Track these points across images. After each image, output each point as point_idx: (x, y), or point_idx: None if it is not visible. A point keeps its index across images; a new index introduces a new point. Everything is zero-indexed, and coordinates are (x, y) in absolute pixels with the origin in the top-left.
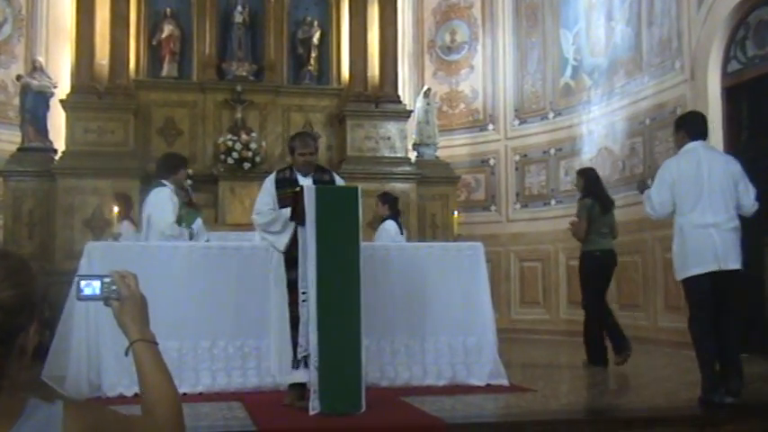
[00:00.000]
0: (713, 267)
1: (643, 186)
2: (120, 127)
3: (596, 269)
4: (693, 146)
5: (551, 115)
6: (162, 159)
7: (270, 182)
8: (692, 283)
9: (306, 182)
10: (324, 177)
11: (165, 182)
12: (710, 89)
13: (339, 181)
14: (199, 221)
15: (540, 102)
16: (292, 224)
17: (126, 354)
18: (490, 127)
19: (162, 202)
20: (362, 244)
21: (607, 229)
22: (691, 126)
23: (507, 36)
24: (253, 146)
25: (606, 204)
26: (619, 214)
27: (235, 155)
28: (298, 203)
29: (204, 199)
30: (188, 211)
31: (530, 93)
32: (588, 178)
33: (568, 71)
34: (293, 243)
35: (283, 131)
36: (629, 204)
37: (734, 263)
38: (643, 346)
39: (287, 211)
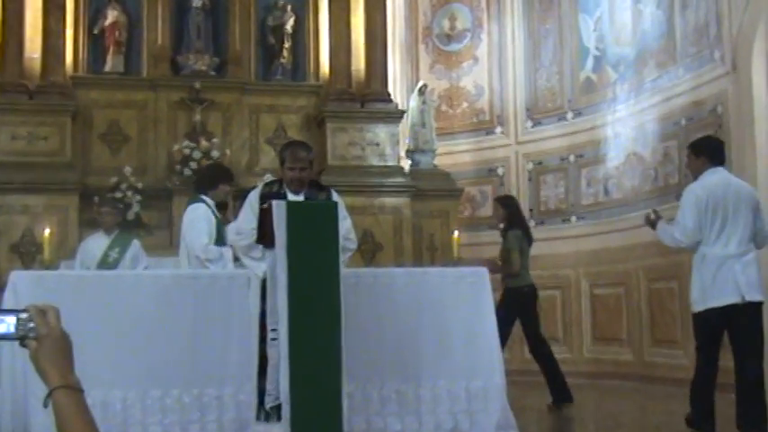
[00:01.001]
0: (734, 300)
1: (656, 218)
2: (55, 133)
3: (529, 306)
4: (717, 172)
5: (570, 115)
6: (202, 171)
7: (254, 197)
8: (708, 316)
9: (296, 199)
10: (319, 196)
11: (203, 197)
12: (755, 83)
13: (337, 199)
14: (135, 245)
15: (556, 99)
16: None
17: (45, 404)
18: (498, 130)
19: (196, 220)
20: (344, 270)
21: (528, 263)
22: (713, 152)
23: (517, 22)
24: (214, 154)
25: (530, 235)
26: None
27: (193, 165)
28: (265, 222)
29: (156, 218)
30: (119, 233)
31: (544, 89)
32: (511, 208)
33: (589, 63)
34: None
35: (251, 136)
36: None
37: (757, 294)
38: (683, 389)
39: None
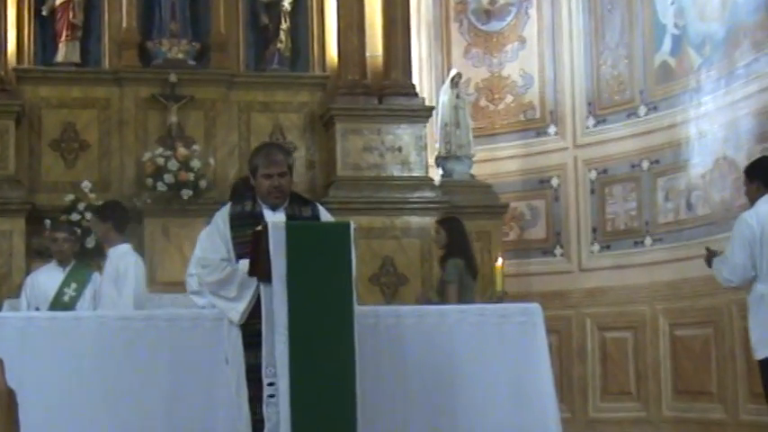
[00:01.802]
0: None
1: (710, 254)
2: None
3: None
4: None
5: (643, 110)
6: (237, 183)
7: (221, 218)
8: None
9: (276, 218)
10: (303, 212)
11: None
12: None
13: (326, 217)
14: (97, 279)
15: (625, 91)
16: (254, 284)
17: None
18: (551, 130)
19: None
20: (359, 308)
21: (473, 298)
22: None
23: None
24: (195, 164)
25: (475, 266)
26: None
27: (168, 178)
28: (258, 250)
29: None
30: (76, 265)
31: (609, 77)
32: (453, 231)
33: (667, 44)
34: (255, 310)
35: (240, 142)
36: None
37: None
38: None
39: (245, 265)
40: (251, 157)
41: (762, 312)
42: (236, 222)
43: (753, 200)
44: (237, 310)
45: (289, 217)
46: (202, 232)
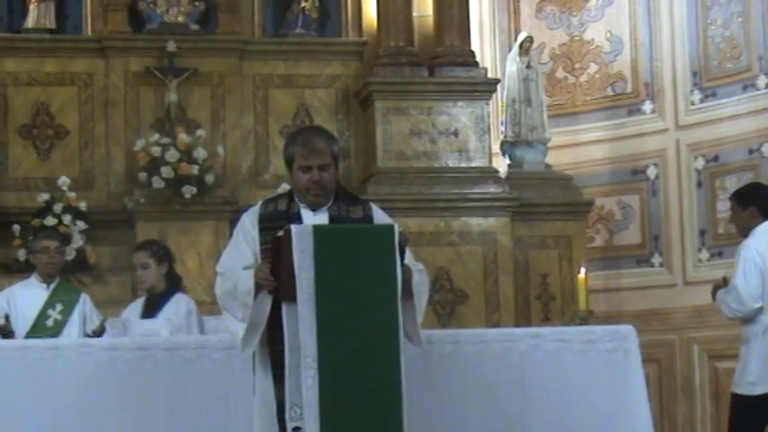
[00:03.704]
0: None
1: (717, 285)
2: None
3: None
4: None
5: (762, 81)
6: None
7: (250, 219)
8: (755, 403)
9: (316, 220)
10: (351, 213)
11: None
12: None
13: (382, 217)
14: (86, 300)
15: (739, 57)
16: (265, 305)
17: None
18: (647, 107)
19: None
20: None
21: None
22: (763, 202)
23: None
24: (199, 154)
25: None
26: None
27: (166, 172)
28: (279, 260)
29: (109, 257)
30: (62, 282)
31: (720, 41)
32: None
33: None
34: (275, 332)
35: (256, 125)
36: None
37: None
38: None
39: (247, 277)
40: (286, 145)
41: (760, 346)
42: (267, 224)
43: (745, 227)
44: (239, 335)
45: (333, 219)
46: None
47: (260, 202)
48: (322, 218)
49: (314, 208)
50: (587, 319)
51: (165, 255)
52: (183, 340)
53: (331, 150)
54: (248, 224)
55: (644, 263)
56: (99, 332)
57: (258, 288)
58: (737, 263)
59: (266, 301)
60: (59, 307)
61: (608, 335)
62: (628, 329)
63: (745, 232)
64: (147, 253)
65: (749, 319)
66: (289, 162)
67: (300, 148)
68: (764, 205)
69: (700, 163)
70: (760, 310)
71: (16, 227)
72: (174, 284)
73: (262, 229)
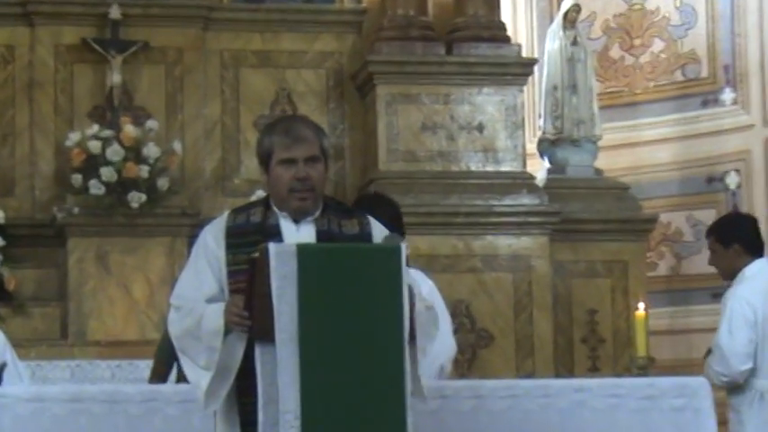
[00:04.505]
0: None
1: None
2: None
3: None
4: (761, 267)
5: None
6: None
7: (213, 235)
8: None
9: (301, 236)
10: (344, 228)
11: None
12: None
13: (382, 235)
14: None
15: None
16: (236, 348)
17: None
18: (727, 96)
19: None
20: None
21: None
22: (748, 237)
23: None
24: (150, 152)
25: None
26: None
27: (107, 174)
28: (254, 290)
29: (33, 281)
30: None
31: None
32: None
33: None
34: (245, 381)
35: (224, 116)
36: None
37: None
38: None
39: (215, 312)
40: (261, 137)
41: (763, 415)
42: (236, 241)
43: (730, 269)
44: (201, 386)
45: (321, 235)
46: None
47: (226, 213)
48: (307, 232)
49: (297, 218)
50: (647, 368)
51: None
52: (128, 391)
53: (320, 142)
54: (211, 241)
55: (720, 297)
56: None
57: (228, 328)
58: (723, 316)
59: (238, 344)
60: None
61: (674, 389)
62: (699, 383)
63: (731, 275)
64: None
65: (738, 386)
66: (265, 158)
67: (281, 136)
68: (750, 241)
69: None
70: (752, 373)
71: None
72: None
73: (229, 247)
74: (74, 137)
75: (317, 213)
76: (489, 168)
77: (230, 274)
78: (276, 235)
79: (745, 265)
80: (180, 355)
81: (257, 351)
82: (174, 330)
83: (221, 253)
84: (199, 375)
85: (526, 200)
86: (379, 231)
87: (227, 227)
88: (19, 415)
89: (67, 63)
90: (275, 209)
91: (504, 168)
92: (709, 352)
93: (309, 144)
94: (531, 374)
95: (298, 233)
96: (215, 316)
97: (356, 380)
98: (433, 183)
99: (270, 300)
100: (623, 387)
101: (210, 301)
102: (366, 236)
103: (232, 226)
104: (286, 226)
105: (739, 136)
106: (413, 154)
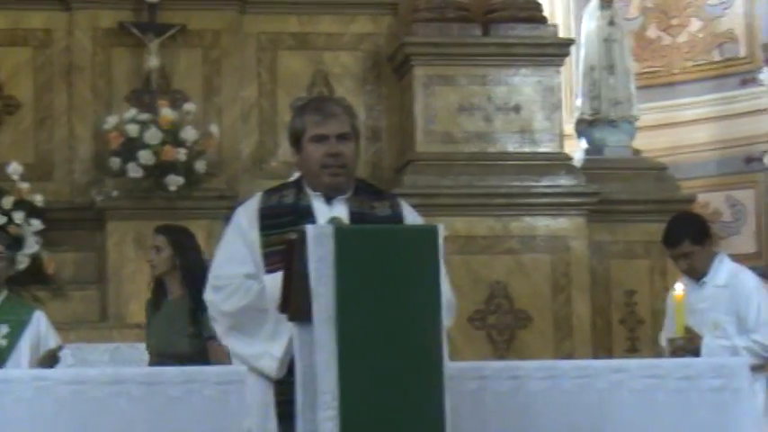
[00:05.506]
0: None
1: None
2: None
3: None
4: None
5: None
6: None
7: (246, 215)
8: None
9: (335, 214)
10: (376, 209)
11: None
12: None
13: (412, 217)
14: (40, 319)
15: None
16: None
17: None
18: (765, 75)
19: None
20: (452, 365)
21: None
22: (709, 231)
23: None
24: (188, 135)
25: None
26: None
27: (145, 157)
28: (289, 269)
29: (72, 264)
30: (9, 297)
31: None
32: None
33: None
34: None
35: (261, 98)
36: None
37: None
38: None
39: (276, 281)
40: (292, 119)
41: None
42: (269, 222)
43: (706, 266)
44: (273, 354)
45: (354, 216)
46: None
47: (259, 194)
48: (340, 211)
49: (330, 196)
50: (686, 348)
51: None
52: (167, 372)
53: (351, 120)
54: (245, 222)
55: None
56: (50, 361)
57: None
58: (752, 296)
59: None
60: (5, 329)
61: (713, 370)
62: (739, 363)
63: (704, 273)
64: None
65: None
66: (297, 138)
67: (312, 114)
68: (703, 232)
69: None
70: None
71: None
72: None
73: (263, 229)
74: (112, 120)
75: (350, 193)
76: (526, 149)
77: (265, 255)
78: (309, 215)
79: (716, 255)
80: (231, 333)
81: (295, 332)
82: (226, 308)
83: (255, 234)
84: (264, 347)
85: (564, 181)
86: (410, 214)
87: (260, 208)
88: (59, 397)
89: (105, 47)
90: (307, 189)
91: (542, 149)
92: (680, 350)
93: (341, 121)
94: (569, 356)
95: (330, 213)
96: (278, 284)
97: (394, 361)
98: (470, 164)
99: (307, 281)
100: (662, 368)
101: (248, 278)
102: (398, 218)
103: (265, 207)
104: (318, 206)
105: None
106: (450, 135)
